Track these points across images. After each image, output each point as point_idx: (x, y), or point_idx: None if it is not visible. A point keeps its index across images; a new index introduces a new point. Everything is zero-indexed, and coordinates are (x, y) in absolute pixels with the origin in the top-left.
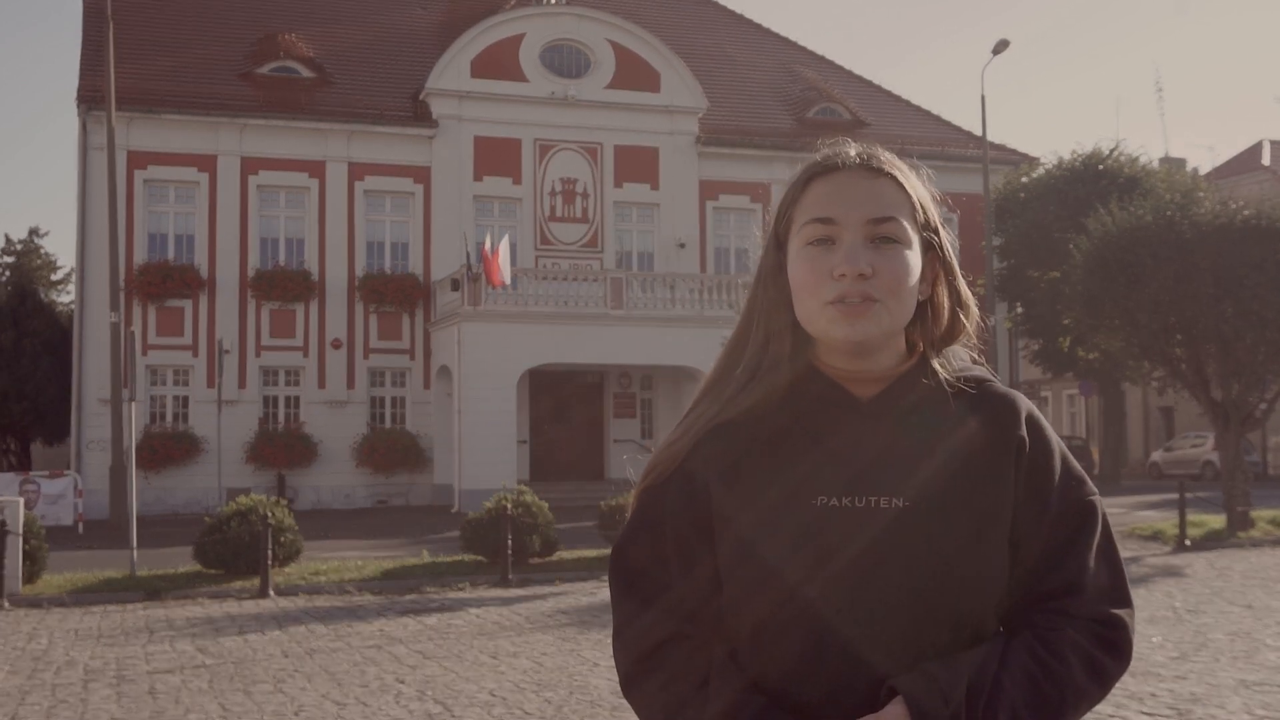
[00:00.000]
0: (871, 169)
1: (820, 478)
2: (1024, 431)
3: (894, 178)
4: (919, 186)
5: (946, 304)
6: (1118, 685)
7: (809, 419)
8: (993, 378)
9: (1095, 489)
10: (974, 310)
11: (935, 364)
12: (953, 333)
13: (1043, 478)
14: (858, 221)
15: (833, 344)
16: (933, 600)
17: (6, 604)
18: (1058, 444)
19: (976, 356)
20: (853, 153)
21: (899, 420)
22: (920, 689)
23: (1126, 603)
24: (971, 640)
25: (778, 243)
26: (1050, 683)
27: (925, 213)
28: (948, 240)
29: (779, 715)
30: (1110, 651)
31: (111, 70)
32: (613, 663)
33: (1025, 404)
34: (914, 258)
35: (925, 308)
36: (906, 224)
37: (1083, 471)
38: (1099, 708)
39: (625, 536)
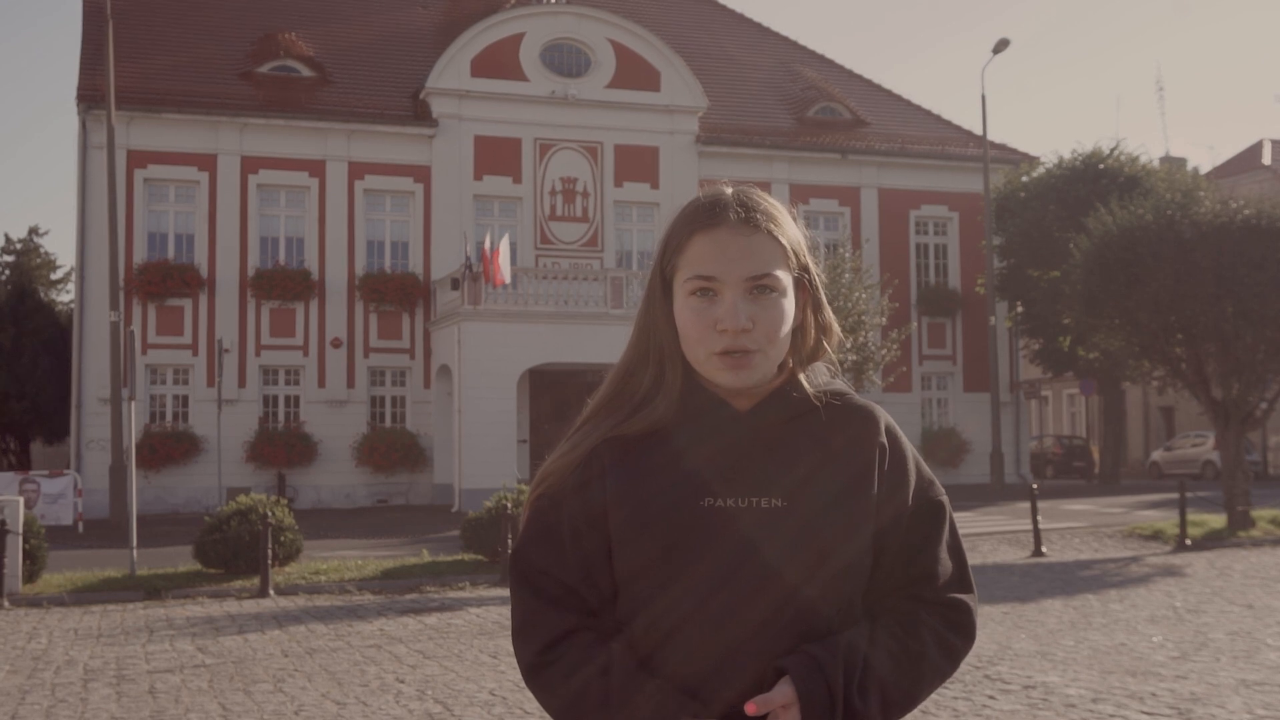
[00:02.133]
0: (750, 225)
1: (707, 481)
2: (884, 439)
3: (769, 232)
4: (793, 233)
5: (813, 329)
6: (1117, 684)
7: (694, 430)
8: (851, 391)
9: (943, 490)
10: (836, 332)
11: (802, 380)
12: (816, 353)
13: (900, 480)
14: (737, 279)
15: (720, 386)
16: (811, 588)
17: (6, 603)
18: (912, 450)
19: (837, 371)
20: (730, 206)
21: (774, 429)
22: (804, 668)
23: (970, 589)
24: (844, 623)
25: (663, 280)
26: (910, 661)
27: (798, 256)
28: (816, 273)
29: (676, 697)
30: (958, 632)
31: (111, 69)
32: None
33: (883, 415)
34: (788, 303)
35: (796, 332)
36: (781, 273)
37: (932, 474)
38: (1098, 708)
39: (524, 540)
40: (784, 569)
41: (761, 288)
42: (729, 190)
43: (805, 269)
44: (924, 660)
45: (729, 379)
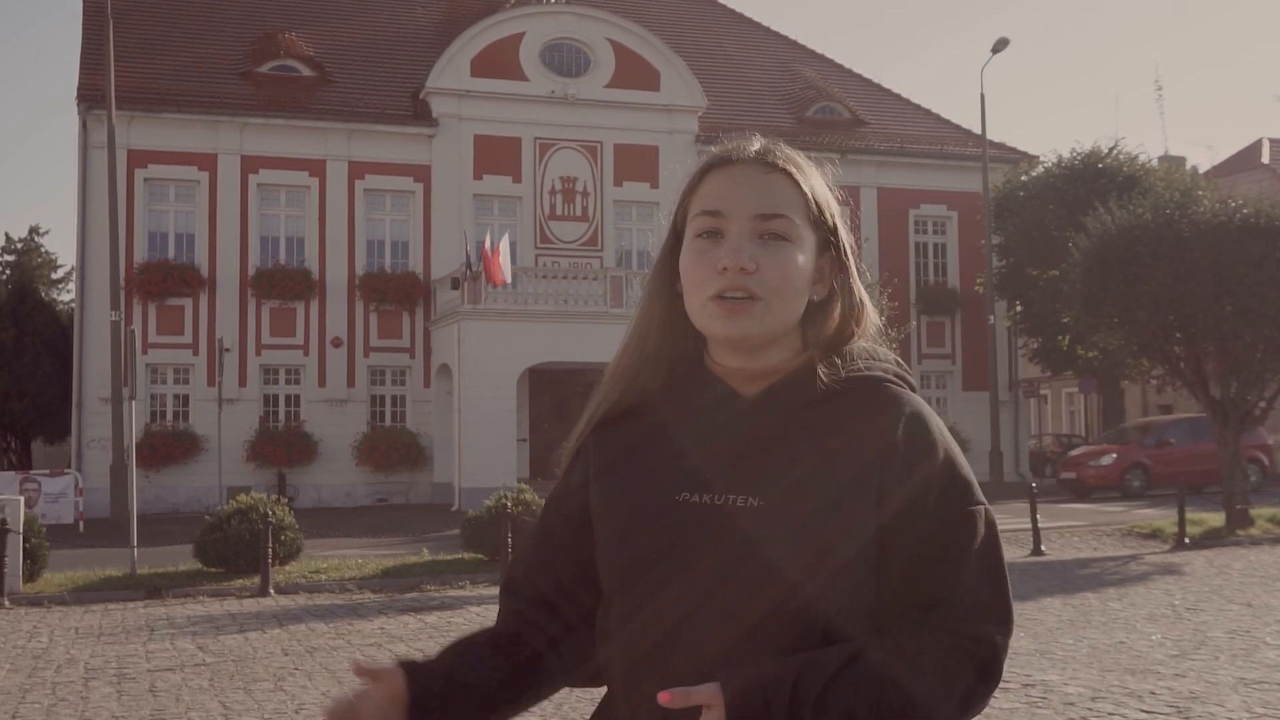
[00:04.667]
0: (766, 164)
1: (687, 474)
2: (900, 435)
3: (789, 174)
4: (817, 184)
5: (840, 303)
6: (1116, 683)
7: (689, 414)
8: (892, 380)
9: (982, 499)
10: (869, 311)
11: (820, 365)
12: (843, 334)
13: (914, 484)
14: (745, 215)
15: (715, 339)
16: (778, 602)
17: (7, 602)
18: (944, 448)
19: (892, 357)
20: (752, 148)
21: (771, 419)
22: (742, 677)
23: (1001, 621)
24: (820, 642)
25: (675, 235)
26: (896, 694)
27: (821, 210)
28: (847, 239)
29: (488, 651)
30: (973, 669)
31: (111, 69)
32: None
33: (910, 407)
34: (802, 256)
35: (821, 307)
36: (798, 221)
37: (970, 478)
38: (1096, 706)
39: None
40: (752, 576)
41: (773, 234)
42: (756, 138)
43: (833, 231)
44: (913, 695)
45: (723, 326)
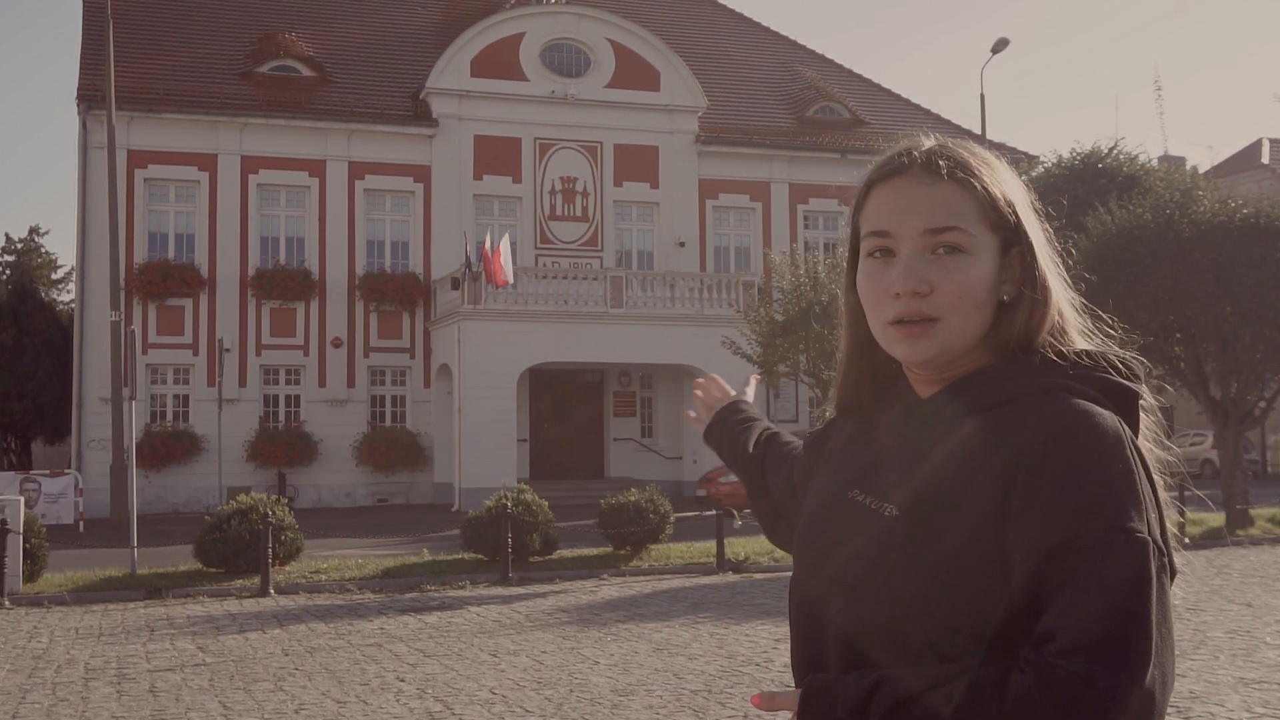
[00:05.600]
0: (932, 172)
1: (860, 472)
2: (1031, 457)
3: (960, 180)
4: (992, 183)
5: (1026, 307)
6: None
7: (878, 413)
8: (1061, 393)
9: (1136, 526)
10: (1054, 308)
11: (997, 369)
12: (1030, 334)
13: (1036, 511)
14: (914, 232)
15: (900, 360)
16: (896, 614)
17: (7, 602)
18: (1093, 465)
19: (1128, 358)
20: (919, 151)
21: (933, 425)
22: (818, 684)
23: (1113, 664)
24: (922, 662)
25: (853, 251)
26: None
27: (999, 210)
28: (1034, 233)
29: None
30: (1059, 712)
31: (111, 69)
32: (612, 661)
33: (1050, 428)
34: (981, 266)
35: (1009, 308)
36: (972, 230)
37: (1123, 502)
38: None
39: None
40: (877, 584)
41: (947, 246)
42: (927, 139)
43: (1017, 230)
44: None
45: (904, 351)
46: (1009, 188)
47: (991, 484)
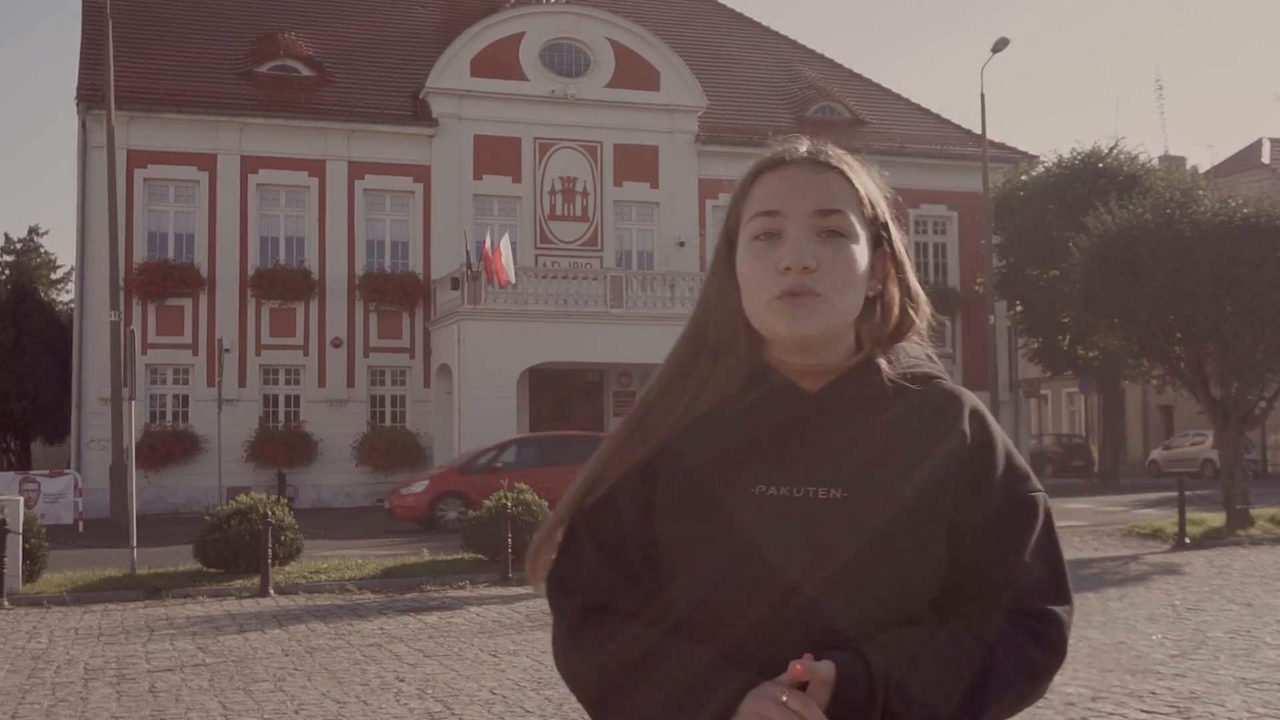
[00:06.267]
0: (819, 163)
1: (761, 468)
2: (965, 426)
3: (841, 172)
4: (868, 181)
5: (897, 300)
6: (1116, 683)
7: (756, 411)
8: (942, 375)
9: (1040, 486)
10: (924, 305)
11: (881, 360)
12: (902, 329)
13: (984, 473)
14: (803, 213)
15: (778, 339)
16: (864, 589)
17: (6, 603)
18: (1002, 440)
19: (932, 354)
20: (802, 148)
21: (843, 414)
22: (843, 653)
23: (1064, 599)
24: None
25: (728, 240)
26: (975, 671)
27: (874, 207)
28: (898, 235)
29: (725, 663)
30: (1042, 645)
31: (111, 69)
32: None
33: (970, 400)
34: (860, 252)
35: (875, 304)
36: (854, 218)
37: (1027, 468)
38: (1097, 706)
39: (586, 508)
40: (838, 566)
41: (830, 230)
42: (803, 139)
43: (885, 227)
44: (990, 673)
45: (788, 324)
46: (877, 190)
47: (939, 462)
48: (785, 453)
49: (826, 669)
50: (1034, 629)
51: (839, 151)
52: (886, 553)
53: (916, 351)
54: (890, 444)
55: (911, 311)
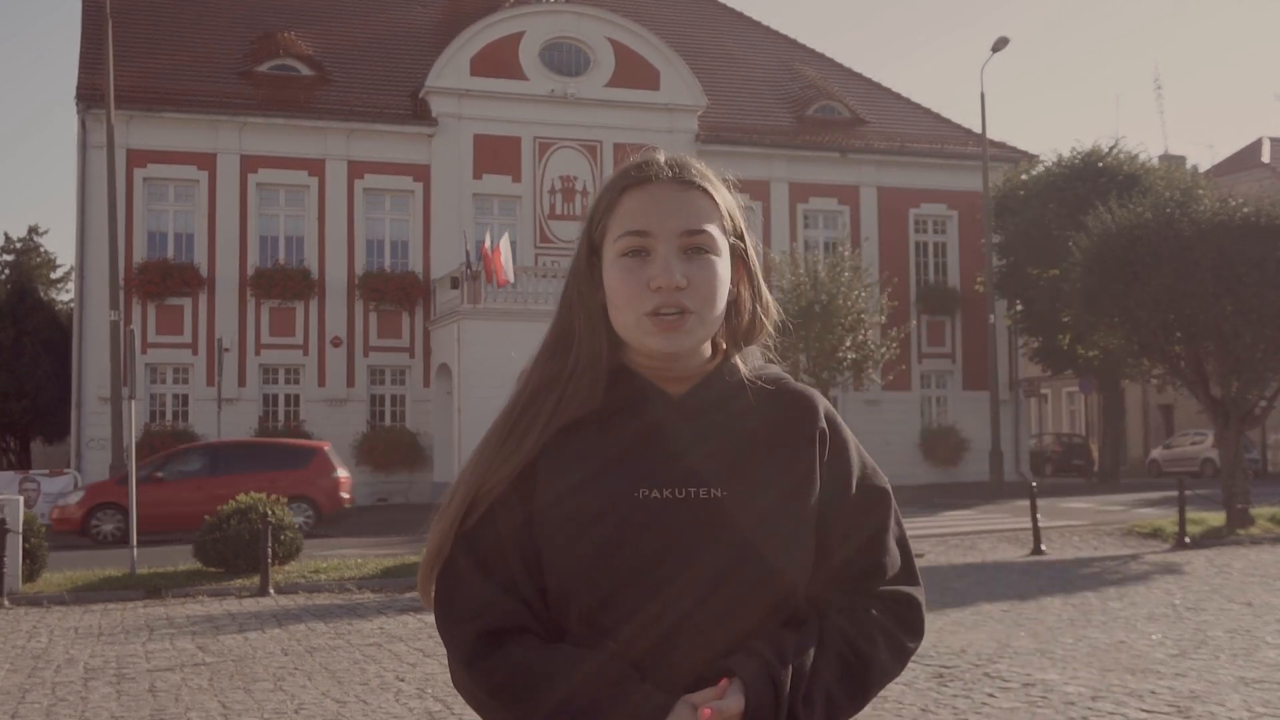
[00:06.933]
0: (683, 181)
1: (640, 471)
2: (824, 424)
3: (704, 189)
4: (727, 195)
5: (749, 304)
6: (1116, 682)
7: (625, 416)
8: (787, 376)
9: (886, 479)
10: (773, 310)
11: (738, 361)
12: (753, 331)
13: (843, 467)
14: (671, 233)
15: (649, 354)
16: (752, 583)
17: (6, 602)
18: (852, 436)
19: (772, 356)
20: (664, 164)
21: (708, 415)
22: (755, 674)
23: (917, 582)
24: (788, 617)
25: (591, 246)
26: (860, 663)
27: (733, 219)
28: (752, 244)
29: (633, 673)
30: (908, 630)
31: (111, 68)
32: None
33: (822, 400)
34: (724, 265)
35: (730, 308)
36: (717, 233)
37: (874, 463)
38: (1097, 705)
39: (463, 529)
40: (726, 562)
41: (696, 248)
42: (661, 153)
43: (740, 237)
44: (874, 663)
45: (660, 342)
46: (733, 200)
47: (805, 457)
48: (661, 456)
49: (735, 703)
50: (901, 614)
51: (700, 168)
52: (767, 546)
53: (759, 355)
54: (757, 442)
55: (762, 314)
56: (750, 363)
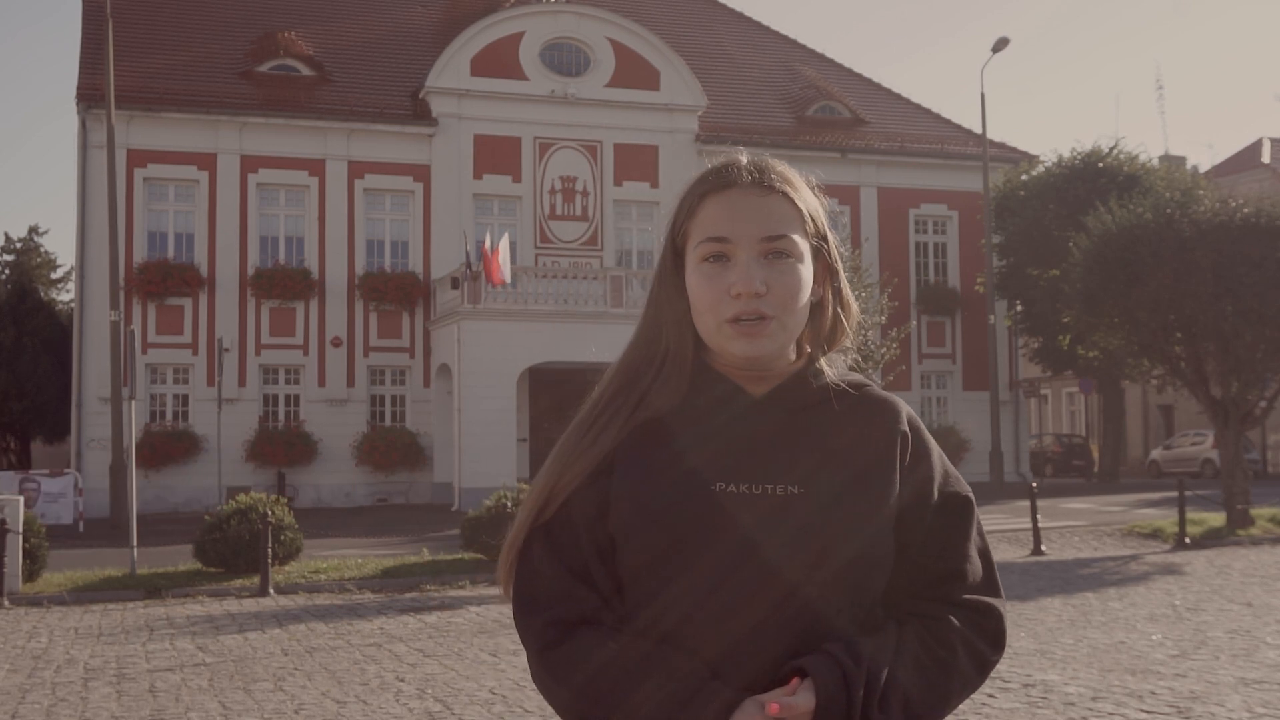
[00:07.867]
0: (764, 186)
1: (718, 466)
2: (906, 429)
3: (785, 194)
4: (809, 198)
5: (831, 306)
6: (1116, 683)
7: (706, 413)
8: (871, 382)
9: (969, 487)
10: (855, 310)
11: (822, 364)
12: (836, 334)
13: (924, 473)
14: (751, 239)
15: (731, 358)
16: (828, 581)
17: (7, 602)
18: (934, 443)
19: (858, 364)
20: (745, 168)
21: (789, 415)
22: (827, 674)
23: (999, 592)
24: (864, 620)
25: (674, 250)
26: (939, 672)
27: (815, 222)
28: (835, 244)
29: (705, 672)
30: (989, 640)
31: (111, 68)
32: None
33: (904, 406)
34: (806, 270)
35: (813, 309)
36: (798, 237)
37: (957, 471)
38: (1097, 706)
39: (541, 524)
40: (800, 557)
41: (777, 252)
42: (743, 155)
43: (823, 239)
44: (953, 672)
45: (742, 347)
46: (815, 202)
47: (887, 461)
48: (740, 453)
49: (806, 701)
50: (981, 624)
51: (781, 171)
52: (846, 545)
53: (843, 364)
54: (837, 443)
55: (843, 316)
56: (835, 368)
